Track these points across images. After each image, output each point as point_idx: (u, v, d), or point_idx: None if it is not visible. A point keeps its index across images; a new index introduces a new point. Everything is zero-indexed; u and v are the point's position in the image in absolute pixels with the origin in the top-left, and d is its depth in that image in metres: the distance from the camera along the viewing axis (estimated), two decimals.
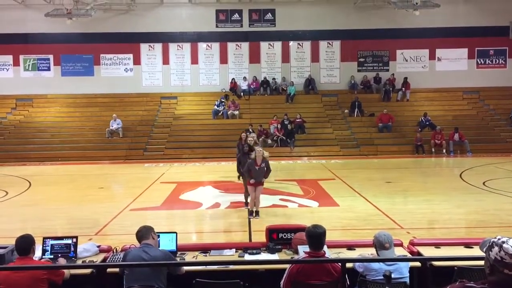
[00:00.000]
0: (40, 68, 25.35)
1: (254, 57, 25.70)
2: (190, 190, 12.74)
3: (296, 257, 5.08)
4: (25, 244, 4.63)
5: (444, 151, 21.03)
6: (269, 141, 21.71)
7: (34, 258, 4.94)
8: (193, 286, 4.56)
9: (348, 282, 4.23)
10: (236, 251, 5.55)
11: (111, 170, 18.72)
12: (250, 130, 13.61)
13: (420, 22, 24.05)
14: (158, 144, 22.08)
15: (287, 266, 4.42)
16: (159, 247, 5.08)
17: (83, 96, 24.97)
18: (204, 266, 5.02)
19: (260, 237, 7.15)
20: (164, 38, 25.35)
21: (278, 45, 25.70)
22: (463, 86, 25.28)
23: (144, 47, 25.49)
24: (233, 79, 25.41)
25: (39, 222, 9.79)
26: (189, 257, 5.41)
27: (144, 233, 4.83)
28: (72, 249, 5.37)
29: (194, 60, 25.62)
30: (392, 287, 4.40)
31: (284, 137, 21.58)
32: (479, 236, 6.34)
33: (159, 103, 25.22)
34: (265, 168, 9.62)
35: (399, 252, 5.23)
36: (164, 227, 9.01)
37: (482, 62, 25.67)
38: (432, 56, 25.59)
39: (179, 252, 5.46)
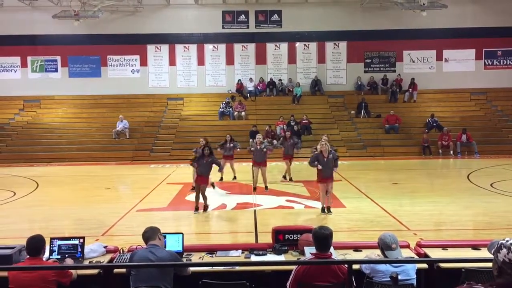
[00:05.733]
0: (47, 69, 25.49)
1: (261, 58, 25.71)
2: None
3: (302, 258, 5.08)
4: (36, 244, 4.65)
5: (452, 152, 20.92)
6: (275, 142, 21.67)
7: (43, 259, 4.96)
8: (199, 287, 4.56)
9: (355, 284, 4.22)
10: (242, 252, 5.54)
11: (118, 171, 18.78)
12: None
13: (427, 23, 23.94)
14: (164, 145, 22.13)
15: (293, 267, 4.41)
16: (165, 247, 5.09)
17: (90, 97, 25.08)
18: (211, 267, 5.02)
19: (266, 238, 7.14)
20: (171, 39, 25.41)
21: (284, 46, 25.69)
22: (471, 87, 25.13)
23: (150, 48, 25.57)
24: (239, 80, 25.43)
25: (46, 223, 9.85)
26: (195, 258, 5.41)
27: (151, 234, 4.84)
28: (79, 249, 5.39)
29: (201, 61, 25.66)
30: None
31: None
32: (487, 238, 6.30)
33: (166, 104, 25.28)
34: (333, 160, 9.99)
35: (406, 253, 5.21)
36: (171, 228, 9.02)
37: (490, 63, 25.52)
38: (439, 57, 25.47)
39: (185, 253, 5.47)
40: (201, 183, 10.35)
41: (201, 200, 10.38)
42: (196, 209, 10.31)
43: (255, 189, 12.79)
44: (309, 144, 21.88)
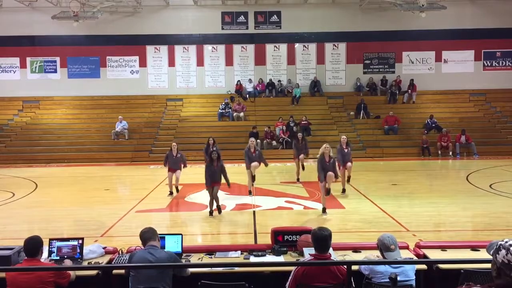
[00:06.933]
0: (46, 70, 25.48)
1: (260, 59, 25.71)
2: (196, 192, 12.74)
3: (301, 259, 5.08)
4: (33, 245, 4.65)
5: (451, 153, 20.92)
6: (275, 143, 21.72)
7: (41, 259, 4.95)
8: None
9: (354, 285, 4.22)
10: (241, 253, 5.55)
11: (117, 172, 18.78)
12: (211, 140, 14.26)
13: (426, 24, 23.95)
14: (163, 146, 22.02)
15: (293, 268, 4.41)
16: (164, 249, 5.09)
17: (89, 98, 25.07)
18: (210, 268, 5.02)
19: (265, 239, 7.15)
20: (170, 40, 25.41)
21: (283, 47, 25.69)
22: (470, 88, 25.16)
23: (150, 49, 25.57)
24: (238, 81, 25.43)
25: (45, 224, 9.84)
26: (194, 259, 5.41)
27: (151, 234, 4.84)
28: (78, 250, 5.39)
29: (200, 62, 25.67)
30: None
31: (289, 139, 21.55)
32: (486, 239, 6.31)
33: (165, 105, 25.27)
34: (336, 163, 10.35)
35: (405, 254, 5.21)
36: (170, 229, 9.04)
37: (489, 64, 25.54)
38: (438, 58, 25.48)
39: (184, 254, 5.47)
40: (214, 185, 10.20)
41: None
42: (211, 212, 10.16)
43: (250, 192, 12.47)
44: (308, 145, 21.88)
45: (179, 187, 12.76)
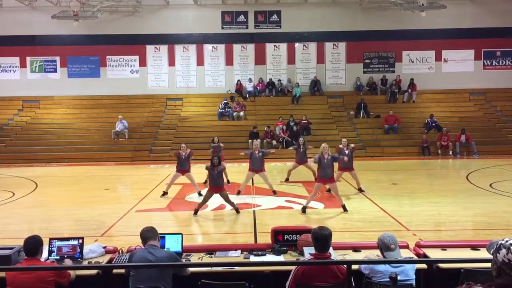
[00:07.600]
0: (46, 69, 25.48)
1: (260, 59, 25.71)
2: (196, 192, 12.73)
3: (301, 259, 5.08)
4: (33, 245, 4.64)
5: (451, 152, 20.93)
6: (275, 143, 21.71)
7: (40, 259, 4.95)
8: (198, 287, 4.56)
9: (354, 284, 4.22)
10: (241, 253, 5.55)
11: (117, 171, 18.77)
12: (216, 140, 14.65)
13: (426, 24, 23.96)
14: (163, 146, 22.11)
15: (293, 267, 4.41)
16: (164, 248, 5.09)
17: (89, 98, 25.07)
18: (210, 268, 5.03)
19: (265, 238, 7.15)
20: (170, 40, 25.42)
21: (283, 46, 25.69)
22: (470, 87, 25.17)
23: (150, 48, 25.57)
24: (238, 80, 25.43)
25: (45, 223, 9.85)
26: (194, 258, 5.41)
27: (152, 234, 4.85)
28: (78, 250, 5.39)
29: (200, 61, 25.67)
30: None
31: (289, 139, 21.55)
32: (486, 238, 6.31)
33: (165, 104, 25.28)
34: (332, 161, 10.34)
35: (405, 254, 5.21)
36: (170, 228, 9.04)
37: (489, 64, 25.54)
38: (438, 58, 25.48)
39: (184, 253, 5.47)
40: (218, 191, 10.21)
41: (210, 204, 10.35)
42: (196, 212, 10.19)
43: (239, 192, 12.26)
44: (308, 144, 21.89)
45: (202, 191, 11.97)
